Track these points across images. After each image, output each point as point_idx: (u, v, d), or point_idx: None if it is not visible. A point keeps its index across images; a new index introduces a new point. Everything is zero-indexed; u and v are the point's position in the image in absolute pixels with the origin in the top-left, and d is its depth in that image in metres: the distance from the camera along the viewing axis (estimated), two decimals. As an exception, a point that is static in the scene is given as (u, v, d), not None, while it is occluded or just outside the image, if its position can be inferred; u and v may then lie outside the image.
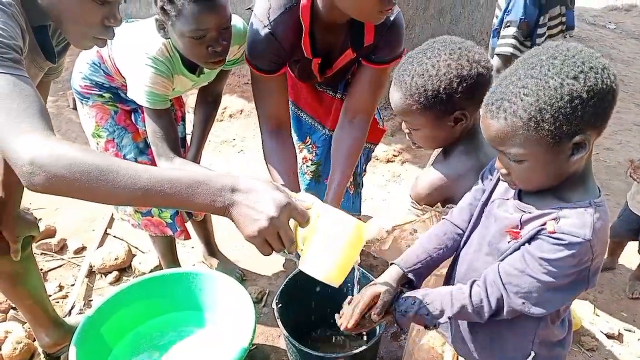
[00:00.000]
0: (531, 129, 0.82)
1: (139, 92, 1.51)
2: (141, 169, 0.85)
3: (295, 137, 1.85)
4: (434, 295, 1.03)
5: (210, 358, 1.72)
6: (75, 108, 3.94)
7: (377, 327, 1.54)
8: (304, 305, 1.71)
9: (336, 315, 1.12)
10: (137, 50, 1.51)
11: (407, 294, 1.06)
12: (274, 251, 0.91)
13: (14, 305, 2.05)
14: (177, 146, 1.54)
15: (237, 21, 1.58)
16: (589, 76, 0.80)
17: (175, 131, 1.56)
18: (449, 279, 1.17)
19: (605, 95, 0.81)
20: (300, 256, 0.98)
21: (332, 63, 1.60)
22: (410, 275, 1.10)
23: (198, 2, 1.29)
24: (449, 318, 1.00)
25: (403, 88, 1.12)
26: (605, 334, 2.00)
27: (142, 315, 1.77)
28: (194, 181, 0.86)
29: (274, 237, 0.88)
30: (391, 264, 1.13)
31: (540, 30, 1.93)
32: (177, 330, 1.80)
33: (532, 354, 1.03)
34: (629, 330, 2.05)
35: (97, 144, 1.77)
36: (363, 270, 1.62)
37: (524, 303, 0.93)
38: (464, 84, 1.08)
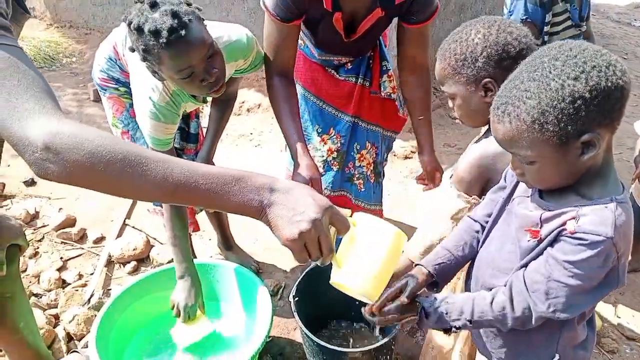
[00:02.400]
0: (536, 131, 0.82)
1: (144, 132, 1.54)
2: (174, 161, 0.76)
3: (319, 130, 1.85)
4: (455, 298, 1.02)
5: (227, 349, 1.73)
6: (95, 100, 4.01)
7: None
8: (320, 299, 1.70)
9: (363, 309, 1.09)
10: (142, 90, 1.51)
11: (432, 295, 1.05)
12: (309, 259, 0.83)
13: (34, 292, 2.09)
14: None
15: (238, 35, 1.54)
16: (591, 75, 0.79)
17: None
18: (468, 278, 1.16)
19: (611, 92, 0.79)
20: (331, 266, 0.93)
21: (359, 23, 1.58)
22: (432, 271, 1.09)
23: (170, 46, 1.23)
24: (469, 322, 0.99)
25: (439, 55, 1.19)
26: (626, 337, 1.97)
27: (160, 306, 1.79)
28: (230, 178, 0.78)
29: (314, 243, 0.80)
30: (415, 265, 1.13)
31: (547, 29, 1.89)
32: (194, 320, 1.81)
33: (557, 356, 1.01)
34: (651, 333, 2.01)
35: (115, 134, 1.80)
36: None
37: (553, 311, 0.91)
38: (489, 50, 1.10)
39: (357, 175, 1.94)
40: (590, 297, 0.91)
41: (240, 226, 2.39)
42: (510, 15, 2.32)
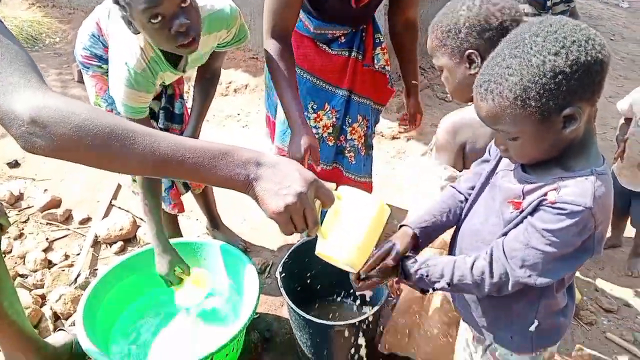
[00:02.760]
0: (518, 108, 0.84)
1: (116, 99, 1.51)
2: (160, 135, 0.76)
3: (314, 106, 1.85)
4: (436, 260, 1.04)
5: (215, 325, 1.75)
6: (79, 81, 3.94)
7: (380, 296, 1.57)
8: (306, 276, 1.73)
9: (351, 275, 1.10)
10: (118, 55, 1.49)
11: (412, 257, 1.07)
12: (295, 231, 0.85)
13: (20, 272, 2.09)
14: None
15: (222, 4, 1.54)
16: (572, 50, 0.80)
17: None
18: (452, 249, 1.18)
19: (591, 66, 0.81)
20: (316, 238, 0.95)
21: None
22: (417, 232, 1.10)
23: None
24: (448, 285, 1.01)
25: (430, 28, 1.22)
26: (604, 309, 2.02)
27: (146, 284, 1.81)
28: (217, 152, 0.78)
29: (300, 216, 0.82)
30: (400, 226, 1.14)
31: (549, 3, 1.92)
32: (181, 298, 1.83)
33: (536, 322, 1.04)
34: (627, 305, 2.07)
35: None
36: None
37: (529, 275, 0.93)
38: (471, 21, 1.12)
39: (348, 148, 1.95)
40: (565, 265, 0.93)
41: (228, 206, 2.40)
42: None
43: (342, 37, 1.80)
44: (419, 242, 1.12)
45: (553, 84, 0.81)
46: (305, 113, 1.84)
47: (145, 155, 0.74)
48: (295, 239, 2.12)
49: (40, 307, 1.91)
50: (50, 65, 4.23)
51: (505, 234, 0.98)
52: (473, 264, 1.00)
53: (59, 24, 4.89)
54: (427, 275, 1.02)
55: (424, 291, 1.08)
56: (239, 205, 2.43)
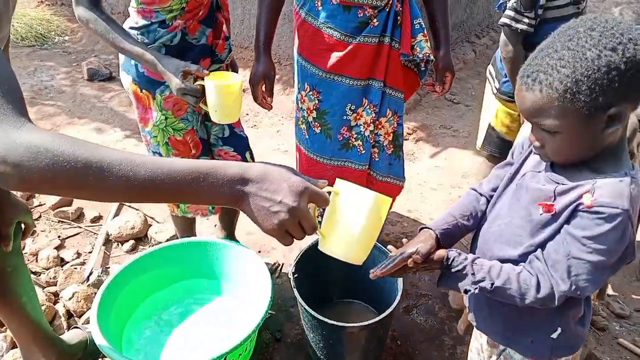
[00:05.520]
0: (567, 101, 0.82)
1: None
2: (138, 161, 0.72)
3: (352, 107, 1.78)
4: (482, 260, 1.02)
5: (228, 324, 1.76)
6: (89, 79, 3.96)
7: (393, 298, 1.57)
8: (318, 277, 1.73)
9: (371, 271, 1.10)
10: None
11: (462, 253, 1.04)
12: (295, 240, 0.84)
13: (33, 270, 2.10)
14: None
15: None
16: (628, 47, 0.79)
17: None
18: (472, 250, 1.16)
19: None
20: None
21: None
22: (439, 235, 1.09)
23: None
24: (491, 286, 0.97)
25: None
26: (616, 315, 2.02)
27: (159, 283, 1.81)
28: (197, 173, 0.74)
29: (296, 228, 0.80)
30: (420, 228, 1.13)
31: (542, 2, 1.87)
32: (194, 297, 1.84)
33: (559, 330, 1.03)
34: (639, 311, 2.06)
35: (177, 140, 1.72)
36: (380, 246, 1.63)
37: (575, 288, 0.91)
38: None
39: (355, 137, 1.84)
40: (606, 272, 0.92)
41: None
42: None
43: (375, 20, 1.66)
44: (440, 244, 1.10)
45: (606, 79, 0.79)
46: (344, 117, 1.79)
47: (123, 186, 0.71)
48: (307, 241, 2.11)
49: (54, 304, 1.92)
50: (59, 64, 4.25)
51: (541, 243, 0.96)
52: (519, 273, 0.97)
53: (68, 22, 4.91)
54: (473, 273, 0.99)
55: (466, 291, 1.04)
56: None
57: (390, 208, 1.70)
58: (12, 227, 1.33)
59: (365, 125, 1.80)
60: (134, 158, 0.72)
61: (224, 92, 1.48)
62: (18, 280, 1.42)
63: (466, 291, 1.02)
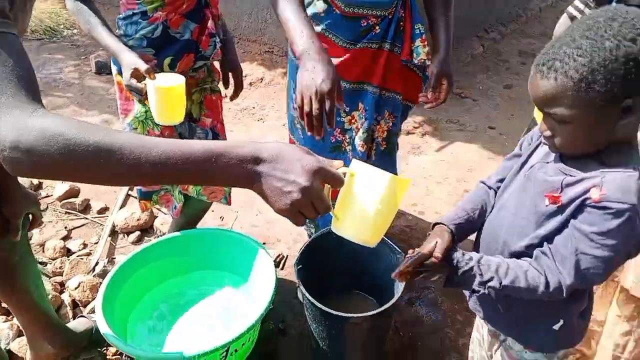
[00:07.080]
0: (581, 90, 0.82)
1: None
2: (150, 143, 0.72)
3: (346, 110, 1.74)
4: (488, 259, 1.00)
5: (232, 315, 1.77)
6: (97, 72, 3.98)
7: (395, 292, 1.57)
8: (321, 269, 1.73)
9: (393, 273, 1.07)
10: None
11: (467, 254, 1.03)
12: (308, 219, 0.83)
13: (39, 260, 2.12)
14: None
15: None
16: None
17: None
18: (477, 241, 1.16)
19: None
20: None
21: None
22: (453, 229, 1.08)
23: None
24: (499, 285, 0.97)
25: None
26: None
27: (164, 274, 1.83)
28: (210, 154, 0.74)
29: (309, 208, 0.79)
30: (434, 225, 1.12)
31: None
32: (199, 288, 1.85)
33: (561, 321, 1.02)
34: None
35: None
36: (391, 244, 1.63)
37: (582, 282, 0.91)
38: None
39: (348, 140, 1.81)
40: (612, 266, 0.91)
41: (243, 198, 2.41)
42: None
43: (377, 27, 1.63)
44: (455, 239, 1.09)
45: (623, 70, 0.79)
46: (339, 118, 1.73)
47: (135, 168, 0.71)
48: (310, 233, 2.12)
49: (60, 294, 1.94)
50: (68, 57, 4.28)
51: (546, 235, 0.95)
52: (527, 272, 0.96)
53: (77, 15, 4.94)
54: (481, 274, 0.98)
55: (474, 291, 1.03)
56: (254, 198, 2.41)
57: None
58: (22, 218, 1.35)
59: (356, 130, 1.78)
60: (148, 141, 0.73)
61: (164, 94, 1.51)
62: (26, 270, 1.43)
63: (474, 291, 1.01)
